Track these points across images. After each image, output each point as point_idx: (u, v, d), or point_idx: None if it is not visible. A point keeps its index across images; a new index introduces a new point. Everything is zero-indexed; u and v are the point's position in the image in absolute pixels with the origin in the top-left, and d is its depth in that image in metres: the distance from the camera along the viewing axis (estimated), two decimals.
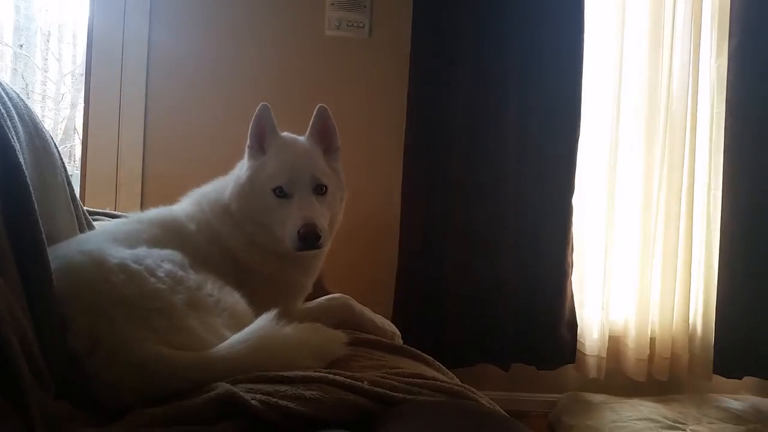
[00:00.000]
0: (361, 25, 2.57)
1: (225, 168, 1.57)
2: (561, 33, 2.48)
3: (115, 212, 1.94)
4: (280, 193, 1.39)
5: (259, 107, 1.44)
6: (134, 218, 1.49)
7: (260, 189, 1.41)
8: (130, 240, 1.26)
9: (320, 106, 1.50)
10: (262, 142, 1.45)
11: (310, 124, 1.50)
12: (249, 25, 2.59)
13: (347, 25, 2.57)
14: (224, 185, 1.49)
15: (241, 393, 0.93)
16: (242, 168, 1.47)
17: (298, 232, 1.33)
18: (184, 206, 1.51)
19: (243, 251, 1.43)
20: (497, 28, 2.46)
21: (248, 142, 1.47)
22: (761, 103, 2.53)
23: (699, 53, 2.59)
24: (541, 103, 2.50)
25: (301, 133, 1.52)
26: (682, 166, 2.58)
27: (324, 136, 1.50)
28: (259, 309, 1.21)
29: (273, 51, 2.60)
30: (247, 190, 1.43)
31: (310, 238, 1.34)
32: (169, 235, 1.36)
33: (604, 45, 2.63)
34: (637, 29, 2.63)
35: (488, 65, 2.47)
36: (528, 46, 2.48)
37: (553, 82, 2.49)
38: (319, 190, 1.42)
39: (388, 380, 1.07)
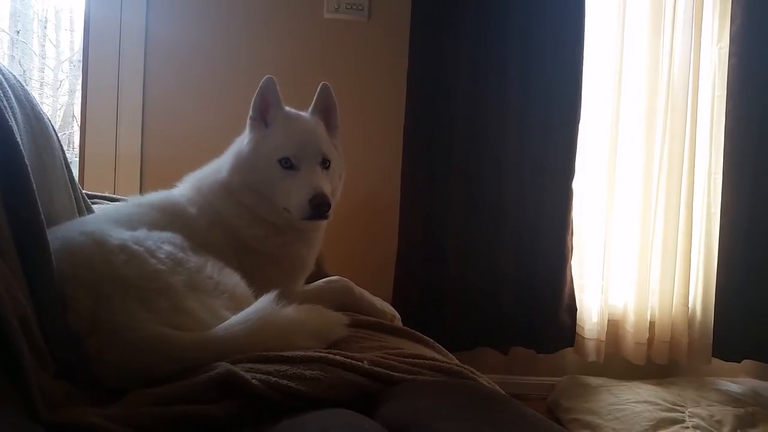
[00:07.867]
0: (360, 7, 2.55)
1: (223, 151, 1.57)
2: (562, 15, 2.46)
3: (115, 195, 1.94)
4: (286, 164, 1.41)
5: (264, 80, 1.45)
6: (134, 202, 1.49)
7: (265, 160, 1.42)
8: (131, 222, 1.26)
9: (323, 84, 1.54)
10: (265, 114, 1.46)
11: (314, 100, 1.53)
12: (246, 8, 2.57)
13: (346, 7, 2.55)
14: (220, 165, 1.50)
15: (242, 372, 0.93)
16: (243, 141, 1.48)
17: (310, 201, 1.36)
18: (182, 191, 1.50)
19: (246, 228, 1.43)
20: (499, 9, 2.44)
21: (250, 113, 1.47)
22: (762, 87, 2.52)
23: (700, 37, 2.57)
24: (542, 86, 2.49)
25: None
26: (683, 150, 2.57)
27: (326, 113, 1.54)
28: (260, 290, 1.21)
29: (271, 34, 2.58)
30: (251, 161, 1.43)
31: (322, 206, 1.37)
32: (169, 218, 1.36)
33: (605, 28, 2.62)
34: (638, 12, 2.61)
35: (490, 47, 2.45)
36: (529, 28, 2.46)
37: (554, 65, 2.47)
38: (324, 164, 1.45)
39: (387, 360, 1.08)
